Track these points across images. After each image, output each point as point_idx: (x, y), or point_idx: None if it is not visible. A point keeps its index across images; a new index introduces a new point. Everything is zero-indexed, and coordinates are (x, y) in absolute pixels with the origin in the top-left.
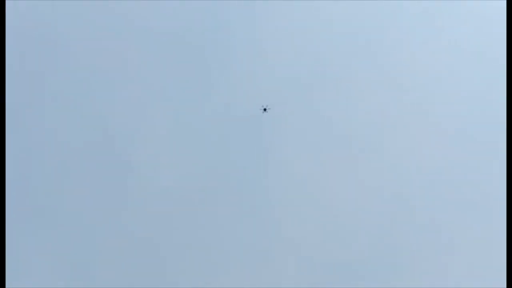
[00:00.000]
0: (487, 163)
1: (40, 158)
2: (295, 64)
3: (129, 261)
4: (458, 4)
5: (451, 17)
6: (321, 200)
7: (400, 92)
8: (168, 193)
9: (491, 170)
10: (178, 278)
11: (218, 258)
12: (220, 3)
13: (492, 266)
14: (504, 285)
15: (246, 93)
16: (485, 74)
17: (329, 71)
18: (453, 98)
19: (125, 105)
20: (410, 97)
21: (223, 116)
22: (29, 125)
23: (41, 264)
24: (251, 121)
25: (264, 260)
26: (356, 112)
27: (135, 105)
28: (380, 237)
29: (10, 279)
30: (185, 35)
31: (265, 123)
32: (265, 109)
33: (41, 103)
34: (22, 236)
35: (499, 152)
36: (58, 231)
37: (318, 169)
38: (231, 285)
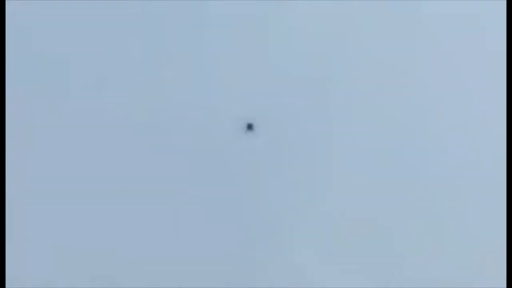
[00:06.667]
0: (487, 167)
1: None
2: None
3: None
4: (458, 4)
5: (450, 17)
6: None
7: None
8: None
9: (491, 173)
10: None
11: None
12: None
13: (492, 266)
14: (504, 285)
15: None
16: (485, 74)
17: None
18: (453, 99)
19: None
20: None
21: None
22: None
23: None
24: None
25: None
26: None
27: None
28: None
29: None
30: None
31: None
32: (249, 126)
33: None
34: None
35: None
36: None
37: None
38: None
